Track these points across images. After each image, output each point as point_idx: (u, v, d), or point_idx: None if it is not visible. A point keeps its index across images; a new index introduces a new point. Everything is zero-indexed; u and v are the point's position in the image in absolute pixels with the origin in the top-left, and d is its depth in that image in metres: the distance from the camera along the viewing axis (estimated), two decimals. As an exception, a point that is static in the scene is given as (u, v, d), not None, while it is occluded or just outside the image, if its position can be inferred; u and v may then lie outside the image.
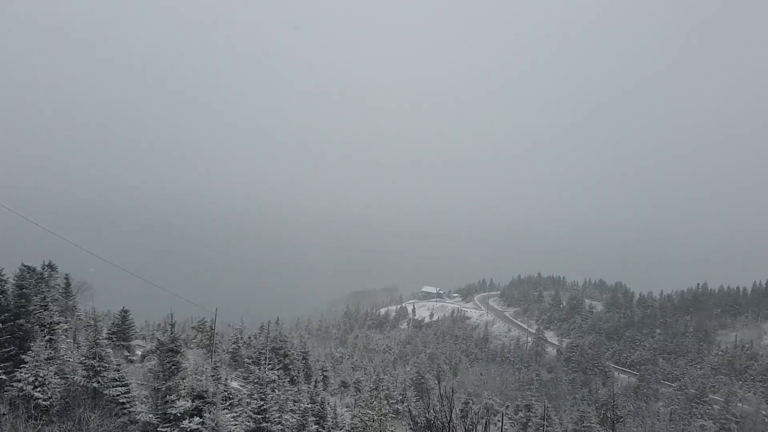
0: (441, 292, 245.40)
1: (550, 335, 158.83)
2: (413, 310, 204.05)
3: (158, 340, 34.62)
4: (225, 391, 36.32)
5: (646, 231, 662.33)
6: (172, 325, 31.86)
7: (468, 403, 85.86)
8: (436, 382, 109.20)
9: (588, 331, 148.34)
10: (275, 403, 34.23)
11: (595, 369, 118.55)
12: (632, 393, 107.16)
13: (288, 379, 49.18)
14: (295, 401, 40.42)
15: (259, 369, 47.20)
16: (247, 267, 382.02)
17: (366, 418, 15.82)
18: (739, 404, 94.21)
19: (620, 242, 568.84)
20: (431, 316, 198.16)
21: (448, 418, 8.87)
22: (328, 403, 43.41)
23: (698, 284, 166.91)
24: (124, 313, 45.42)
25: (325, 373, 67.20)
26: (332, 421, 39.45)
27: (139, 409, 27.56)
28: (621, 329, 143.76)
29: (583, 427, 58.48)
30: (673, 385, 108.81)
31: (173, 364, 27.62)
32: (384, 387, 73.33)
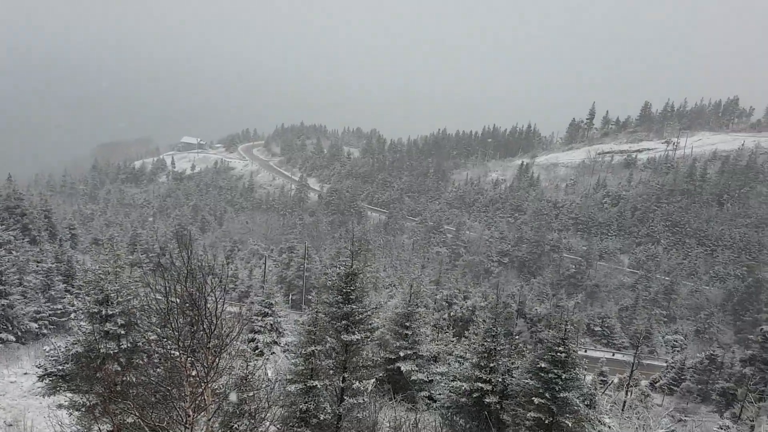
0: (202, 142, 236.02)
1: (312, 182, 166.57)
2: (173, 162, 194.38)
3: None
4: (-56, 258, 31.83)
5: (396, 81, 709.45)
6: None
7: (234, 249, 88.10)
8: (200, 233, 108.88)
9: (346, 176, 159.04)
10: (12, 265, 31.28)
11: (352, 210, 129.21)
12: (383, 229, 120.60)
13: (28, 240, 44.46)
14: (38, 262, 37.17)
15: (-11, 232, 41.63)
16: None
17: (100, 272, 15.24)
18: (468, 232, 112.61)
19: (375, 92, 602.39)
20: (193, 167, 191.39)
21: (187, 264, 9.11)
22: (77, 262, 40.81)
23: (439, 130, 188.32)
24: None
25: (72, 231, 62.15)
26: (81, 279, 37.38)
27: None
28: (374, 173, 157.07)
29: (339, 261, 64.62)
30: (416, 219, 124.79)
31: None
32: (143, 242, 70.97)
